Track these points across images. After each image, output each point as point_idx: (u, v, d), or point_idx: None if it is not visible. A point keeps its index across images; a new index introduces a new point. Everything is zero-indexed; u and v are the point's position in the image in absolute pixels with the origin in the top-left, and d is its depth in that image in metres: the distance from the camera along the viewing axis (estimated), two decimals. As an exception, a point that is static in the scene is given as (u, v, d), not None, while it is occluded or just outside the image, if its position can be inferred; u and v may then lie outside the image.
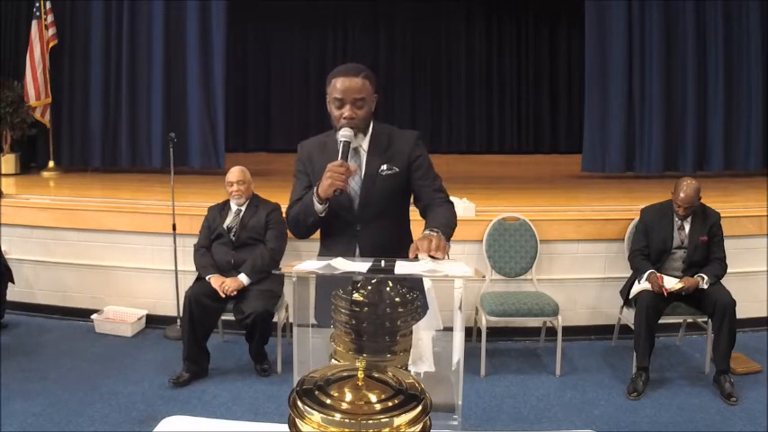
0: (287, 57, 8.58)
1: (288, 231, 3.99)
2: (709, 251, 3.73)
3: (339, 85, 2.06)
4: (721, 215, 3.83)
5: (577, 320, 4.30)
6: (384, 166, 2.12)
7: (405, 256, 1.83)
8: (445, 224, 1.98)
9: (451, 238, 2.10)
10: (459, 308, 1.48)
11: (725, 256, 3.73)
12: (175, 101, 6.27)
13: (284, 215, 2.27)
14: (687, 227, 3.76)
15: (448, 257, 1.67)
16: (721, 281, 3.67)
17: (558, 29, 8.76)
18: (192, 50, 6.19)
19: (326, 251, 2.20)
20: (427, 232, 1.84)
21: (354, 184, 2.13)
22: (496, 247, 4.18)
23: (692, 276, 3.64)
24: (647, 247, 3.82)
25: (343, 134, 2.03)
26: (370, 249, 2.08)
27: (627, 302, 3.90)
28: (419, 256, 1.63)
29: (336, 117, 2.09)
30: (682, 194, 3.70)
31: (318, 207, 2.04)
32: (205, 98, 6.23)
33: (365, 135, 2.14)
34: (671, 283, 3.60)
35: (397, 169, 2.13)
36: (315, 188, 2.05)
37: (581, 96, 6.60)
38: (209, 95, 6.25)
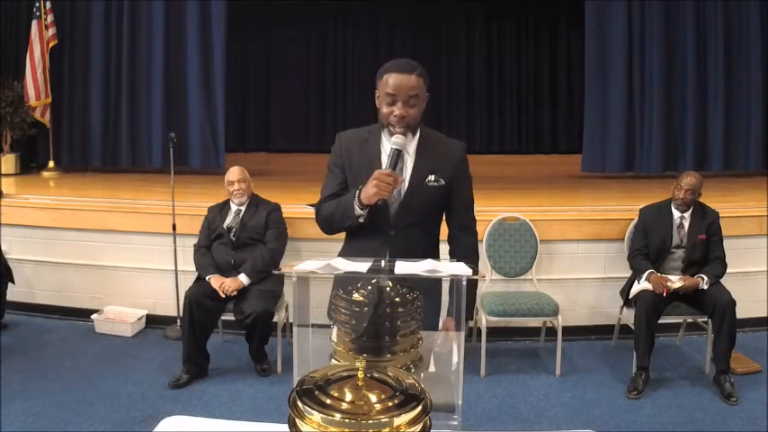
0: (287, 57, 8.58)
1: (287, 232, 4.00)
2: (708, 251, 3.74)
3: (392, 81, 1.94)
4: (721, 215, 3.84)
5: (577, 320, 4.30)
6: (431, 177, 2.03)
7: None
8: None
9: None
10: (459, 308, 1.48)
11: (724, 256, 3.73)
12: (175, 101, 6.26)
13: (315, 209, 2.15)
14: (686, 225, 3.77)
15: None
16: (721, 281, 3.67)
17: (558, 29, 8.76)
18: (192, 50, 6.19)
19: (354, 251, 2.03)
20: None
21: (394, 190, 2.00)
22: (496, 247, 4.17)
23: (692, 276, 3.65)
24: (647, 247, 3.83)
25: (396, 141, 1.93)
26: (401, 255, 1.93)
27: (627, 302, 3.90)
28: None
29: (386, 114, 1.97)
30: (686, 179, 3.74)
31: (359, 212, 1.95)
32: (205, 98, 6.23)
33: (414, 136, 2.03)
34: (672, 279, 3.61)
35: (443, 182, 2.04)
36: (357, 192, 1.94)
37: (581, 96, 6.59)
38: (209, 95, 6.25)
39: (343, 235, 2.19)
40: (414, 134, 2.03)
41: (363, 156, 2.07)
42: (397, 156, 1.93)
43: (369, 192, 1.89)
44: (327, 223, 2.10)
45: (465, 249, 2.13)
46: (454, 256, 2.08)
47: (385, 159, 1.99)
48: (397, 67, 1.97)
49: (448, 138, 2.17)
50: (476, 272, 1.90)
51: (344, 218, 2.00)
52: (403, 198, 2.03)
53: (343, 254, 2.12)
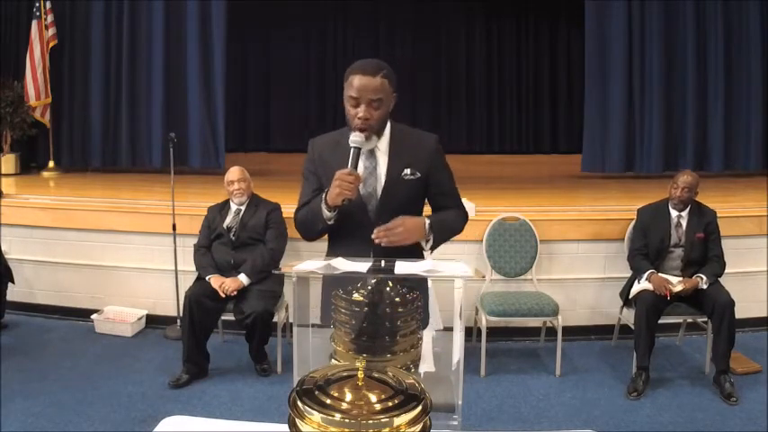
0: (287, 57, 8.58)
1: (287, 231, 4.00)
2: (706, 249, 3.75)
3: (356, 82, 1.94)
4: (721, 215, 3.84)
5: (577, 320, 4.30)
6: (407, 171, 2.04)
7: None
8: (443, 221, 1.99)
9: (450, 240, 2.11)
10: (459, 308, 1.48)
11: (723, 254, 3.75)
12: (175, 101, 6.26)
13: (293, 216, 2.17)
14: (684, 224, 3.78)
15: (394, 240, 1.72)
16: (721, 281, 3.68)
17: (558, 29, 8.76)
18: (192, 50, 6.19)
19: (338, 253, 1.98)
20: (419, 217, 1.92)
21: (370, 187, 2.03)
22: (496, 247, 4.18)
23: (692, 275, 3.65)
24: (647, 247, 3.83)
25: (354, 140, 1.92)
26: (385, 254, 1.92)
27: (627, 302, 3.90)
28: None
29: (351, 116, 1.97)
30: (682, 177, 3.77)
31: (327, 214, 1.96)
32: (205, 98, 6.23)
33: (380, 137, 2.04)
34: (673, 282, 3.62)
35: (419, 174, 2.05)
36: (323, 195, 1.96)
37: (581, 96, 6.59)
38: (209, 95, 6.25)
39: None
40: (380, 135, 2.04)
41: (337, 158, 2.06)
42: (357, 154, 1.93)
43: (332, 193, 1.91)
44: (304, 229, 2.14)
45: (447, 212, 2.14)
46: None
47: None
48: (362, 69, 1.96)
49: (420, 131, 2.18)
50: (452, 230, 2.13)
51: (316, 221, 2.02)
52: (381, 196, 2.03)
53: (329, 256, 2.12)
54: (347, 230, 2.04)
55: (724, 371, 3.49)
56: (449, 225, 2.10)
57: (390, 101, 2.02)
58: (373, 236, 1.87)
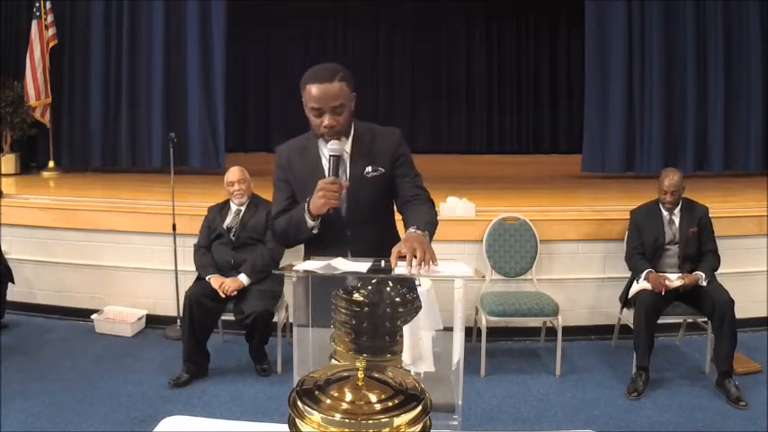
0: (287, 57, 8.59)
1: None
2: (701, 244, 3.77)
3: (315, 92, 1.93)
4: (721, 215, 3.85)
5: (577, 320, 4.30)
6: (369, 168, 2.05)
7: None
8: (429, 222, 1.93)
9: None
10: (459, 308, 1.48)
11: (717, 248, 3.77)
12: (175, 101, 6.26)
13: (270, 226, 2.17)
14: (676, 220, 3.80)
15: (434, 263, 1.60)
16: (721, 280, 3.68)
17: (558, 29, 8.76)
18: (192, 50, 6.19)
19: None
20: (412, 230, 1.81)
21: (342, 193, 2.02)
22: (496, 247, 4.17)
23: (690, 272, 3.67)
24: (642, 246, 3.84)
25: (332, 148, 1.94)
26: (364, 252, 1.93)
27: (626, 303, 3.90)
28: (399, 264, 1.57)
29: (316, 125, 1.98)
30: (667, 181, 3.78)
31: (311, 224, 1.97)
32: (205, 98, 6.23)
33: (348, 138, 2.05)
34: (672, 278, 3.62)
35: (383, 170, 2.06)
36: (305, 205, 1.96)
37: (581, 96, 6.59)
38: (209, 95, 6.25)
39: None
40: (347, 136, 2.04)
41: (305, 163, 2.08)
42: (337, 161, 1.94)
43: (317, 203, 1.90)
44: (284, 239, 2.14)
45: (417, 211, 2.02)
46: (407, 222, 2.00)
47: (326, 164, 2.00)
48: (318, 77, 1.95)
49: (382, 127, 2.17)
50: (436, 225, 1.97)
51: (299, 231, 2.02)
52: (348, 197, 2.04)
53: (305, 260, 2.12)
54: (322, 234, 2.04)
55: (728, 373, 3.46)
56: (434, 223, 2.03)
57: (351, 102, 2.02)
58: (414, 272, 1.59)
